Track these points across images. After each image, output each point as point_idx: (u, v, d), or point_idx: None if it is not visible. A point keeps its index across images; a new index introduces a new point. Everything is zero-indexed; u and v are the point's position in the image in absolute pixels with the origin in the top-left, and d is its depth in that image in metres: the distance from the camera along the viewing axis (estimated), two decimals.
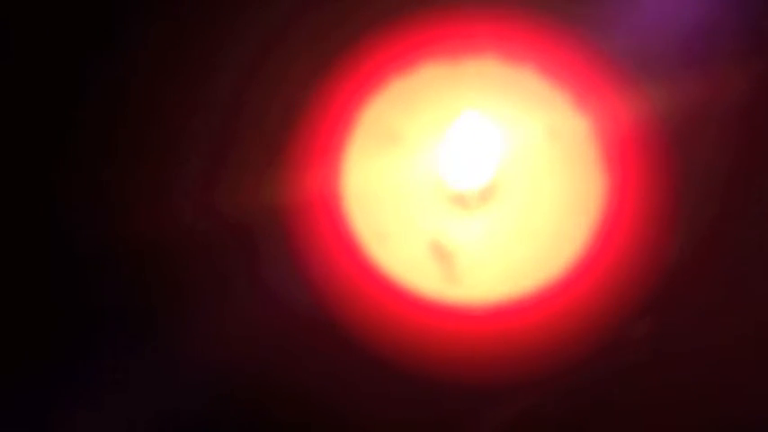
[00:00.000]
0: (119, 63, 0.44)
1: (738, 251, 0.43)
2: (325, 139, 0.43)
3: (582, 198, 0.43)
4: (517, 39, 0.44)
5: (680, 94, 0.43)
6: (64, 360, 0.42)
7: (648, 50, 0.43)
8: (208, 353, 0.43)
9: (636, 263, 0.43)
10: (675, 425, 0.42)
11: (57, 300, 0.43)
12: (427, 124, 0.44)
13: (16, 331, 0.43)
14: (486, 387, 0.42)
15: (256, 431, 0.43)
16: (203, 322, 0.43)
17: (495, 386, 0.42)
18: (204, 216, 0.43)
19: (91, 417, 0.42)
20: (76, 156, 0.44)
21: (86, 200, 0.43)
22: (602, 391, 0.42)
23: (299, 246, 0.43)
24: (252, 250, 0.42)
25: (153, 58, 0.44)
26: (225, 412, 0.43)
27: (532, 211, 0.43)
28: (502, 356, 0.42)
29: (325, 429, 0.42)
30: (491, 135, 0.44)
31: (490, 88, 0.44)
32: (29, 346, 0.43)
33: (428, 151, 0.44)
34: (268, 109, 0.44)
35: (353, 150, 0.43)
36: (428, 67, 0.44)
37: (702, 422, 0.42)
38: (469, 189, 0.44)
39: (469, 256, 0.43)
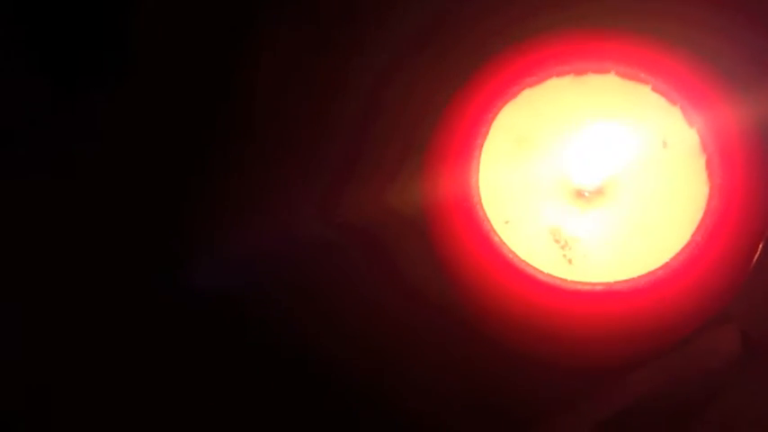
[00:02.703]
0: (252, 71, 0.47)
1: None
2: (460, 141, 0.50)
3: (688, 199, 0.49)
4: (635, 56, 0.50)
5: None
6: None
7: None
8: (348, 349, 0.48)
9: (736, 264, 0.48)
10: None
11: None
12: (553, 129, 0.51)
13: None
14: (597, 368, 0.49)
15: (389, 419, 0.47)
16: (342, 321, 0.48)
17: (606, 367, 0.49)
18: (344, 217, 0.48)
19: None
20: (208, 167, 0.48)
21: (218, 209, 0.47)
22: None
23: (435, 236, 0.50)
24: (389, 244, 0.48)
25: (286, 64, 0.48)
26: (352, 402, 0.49)
27: (643, 208, 0.50)
28: (612, 337, 0.49)
29: (455, 416, 0.48)
30: (609, 141, 0.50)
31: (610, 101, 0.51)
32: None
33: (553, 152, 0.51)
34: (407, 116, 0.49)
35: (486, 150, 0.50)
36: (555, 80, 0.51)
37: None
38: (589, 186, 0.50)
39: (585, 243, 0.50)
